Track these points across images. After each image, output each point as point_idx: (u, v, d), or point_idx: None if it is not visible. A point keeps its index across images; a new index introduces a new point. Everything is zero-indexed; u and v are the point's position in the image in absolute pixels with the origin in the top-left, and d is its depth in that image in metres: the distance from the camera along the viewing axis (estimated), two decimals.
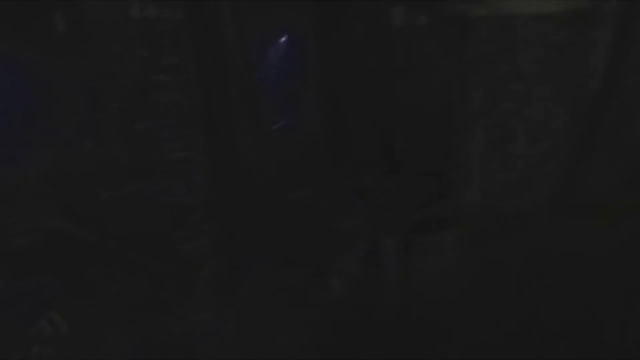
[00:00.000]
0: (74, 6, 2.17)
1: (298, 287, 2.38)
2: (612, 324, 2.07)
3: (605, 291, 2.37)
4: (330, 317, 2.38)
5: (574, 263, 2.47)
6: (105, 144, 2.24)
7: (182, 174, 2.25)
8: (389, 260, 2.49)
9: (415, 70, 2.38)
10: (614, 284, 2.20)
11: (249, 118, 2.34)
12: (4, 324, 1.78)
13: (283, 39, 2.43)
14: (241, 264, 2.31)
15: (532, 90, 2.43)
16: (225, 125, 2.34)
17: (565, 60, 2.37)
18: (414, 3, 2.41)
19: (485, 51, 2.39)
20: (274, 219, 2.37)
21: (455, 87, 2.42)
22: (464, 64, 2.39)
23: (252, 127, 2.35)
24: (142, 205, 2.19)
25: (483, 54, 2.41)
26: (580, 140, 2.49)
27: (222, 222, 2.29)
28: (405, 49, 2.34)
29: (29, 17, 2.15)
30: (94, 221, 2.09)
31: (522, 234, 2.48)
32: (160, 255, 2.18)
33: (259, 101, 2.38)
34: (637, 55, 2.43)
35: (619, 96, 2.44)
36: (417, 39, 2.36)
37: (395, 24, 2.35)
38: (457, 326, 2.43)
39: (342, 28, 2.41)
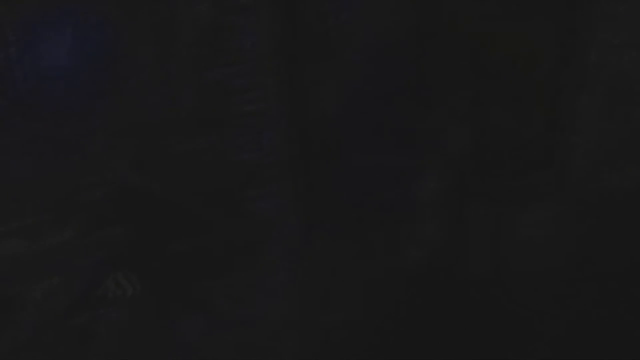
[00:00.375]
0: None
1: (372, 255, 2.22)
2: None
3: None
4: (407, 289, 2.22)
5: None
6: (176, 95, 2.12)
7: (254, 128, 2.10)
8: (475, 230, 2.26)
9: (515, 16, 2.05)
10: None
11: (327, 69, 2.12)
12: (70, 282, 1.74)
13: None
14: (313, 227, 2.17)
15: None
16: (302, 77, 2.14)
17: None
18: None
19: None
20: (348, 180, 2.18)
21: (567, 35, 2.07)
22: (580, 7, 2.02)
23: (330, 79, 2.14)
24: (212, 160, 2.07)
25: None
26: None
27: (294, 182, 2.14)
28: None
29: None
30: (164, 175, 2.00)
31: (635, 209, 2.17)
32: (230, 213, 2.06)
33: (338, 51, 2.15)
34: None
35: None
36: None
37: None
38: (551, 307, 2.20)
39: None
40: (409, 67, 2.27)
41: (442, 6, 2.12)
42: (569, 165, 2.17)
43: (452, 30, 2.13)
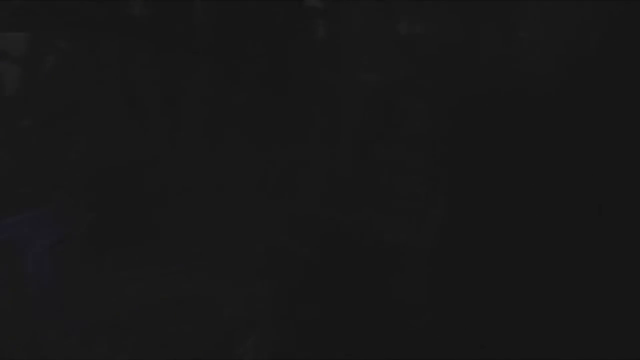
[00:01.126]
0: (339, 12, 2.08)
1: None
2: None
3: None
4: None
5: None
6: (339, 166, 2.13)
7: (416, 212, 2.01)
8: None
9: None
10: None
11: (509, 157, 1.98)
12: (208, 336, 1.74)
13: None
14: (463, 323, 1.99)
15: None
16: (478, 164, 2.02)
17: None
18: None
19: None
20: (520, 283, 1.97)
21: None
22: None
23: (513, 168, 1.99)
24: (366, 237, 2.01)
25: None
26: None
27: (451, 274, 1.99)
28: None
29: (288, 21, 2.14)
30: (318, 243, 1.97)
31: None
32: (374, 295, 1.97)
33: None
34: None
35: None
36: None
37: None
38: None
39: None
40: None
41: None
42: None
43: None
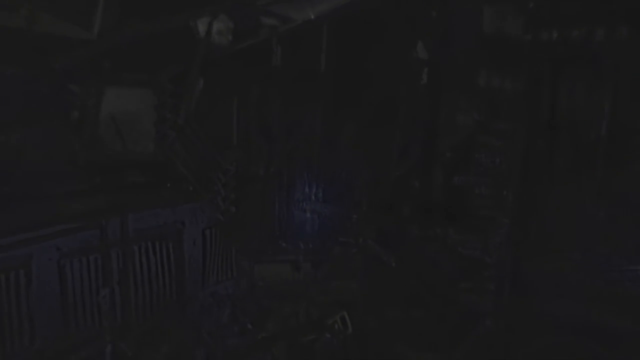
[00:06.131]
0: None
1: None
2: None
3: None
4: None
5: None
6: (428, 187, 2.61)
7: (484, 230, 2.42)
8: None
9: None
10: None
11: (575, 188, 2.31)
12: (307, 311, 2.29)
13: None
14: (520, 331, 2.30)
15: None
16: (536, 195, 2.39)
17: None
18: None
19: None
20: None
21: None
22: None
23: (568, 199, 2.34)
24: (439, 249, 2.44)
25: None
26: None
27: (508, 285, 2.35)
28: None
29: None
30: (401, 251, 2.44)
31: None
32: (445, 298, 2.37)
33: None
34: None
35: None
36: None
37: None
38: None
39: None
40: None
41: None
42: None
43: None
